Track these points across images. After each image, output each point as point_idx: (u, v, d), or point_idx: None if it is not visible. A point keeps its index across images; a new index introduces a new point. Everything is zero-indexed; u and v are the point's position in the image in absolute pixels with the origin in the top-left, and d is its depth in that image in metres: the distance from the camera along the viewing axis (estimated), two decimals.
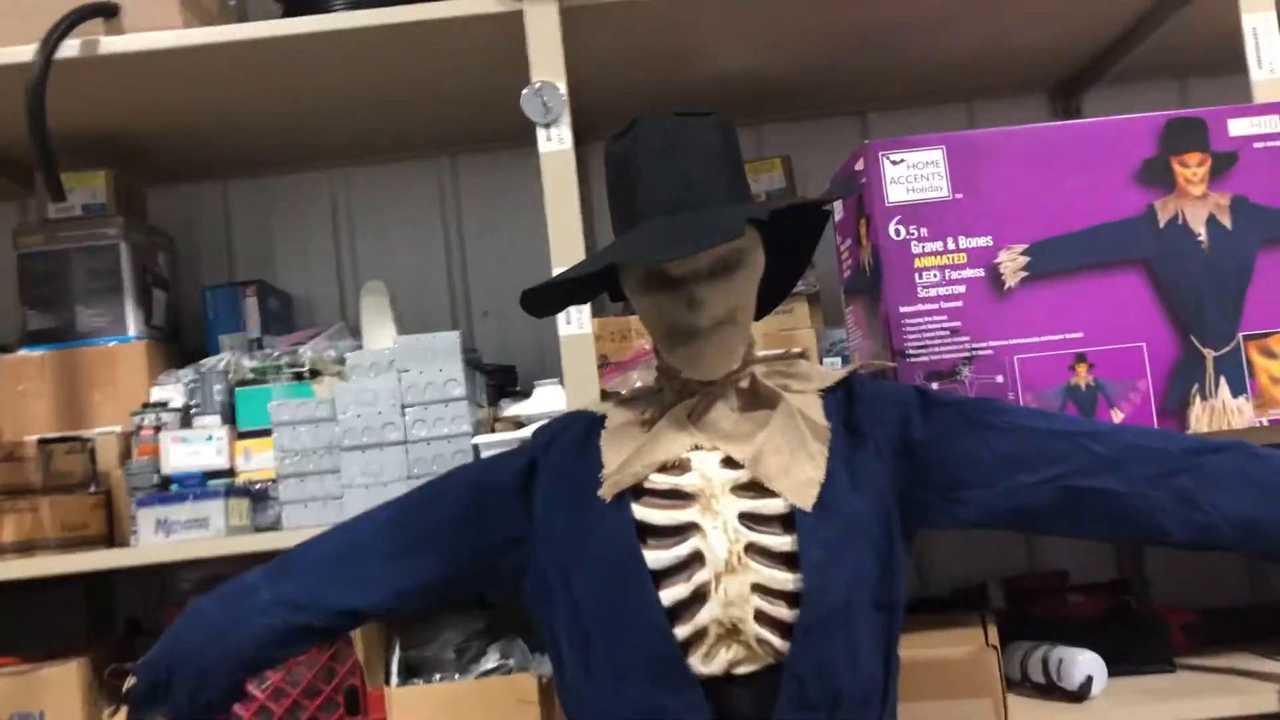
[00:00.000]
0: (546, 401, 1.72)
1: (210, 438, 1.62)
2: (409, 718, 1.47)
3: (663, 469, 1.14)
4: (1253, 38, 1.48)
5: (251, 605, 1.19)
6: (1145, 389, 1.37)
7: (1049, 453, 1.14)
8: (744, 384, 1.19)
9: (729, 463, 1.14)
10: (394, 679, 1.51)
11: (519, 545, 1.21)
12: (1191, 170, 1.39)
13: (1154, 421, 1.36)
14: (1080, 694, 1.47)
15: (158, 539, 1.50)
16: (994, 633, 1.47)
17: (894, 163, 1.37)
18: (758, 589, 1.09)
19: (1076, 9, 1.78)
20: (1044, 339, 1.37)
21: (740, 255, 1.14)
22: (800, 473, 1.12)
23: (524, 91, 1.47)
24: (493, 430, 1.71)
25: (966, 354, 1.36)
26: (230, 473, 1.62)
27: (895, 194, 1.38)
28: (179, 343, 1.96)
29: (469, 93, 1.82)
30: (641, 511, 1.13)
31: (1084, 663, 1.48)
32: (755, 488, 1.12)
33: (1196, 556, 1.88)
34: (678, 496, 1.13)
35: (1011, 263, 1.38)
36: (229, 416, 1.66)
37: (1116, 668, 1.53)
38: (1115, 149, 1.39)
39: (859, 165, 1.41)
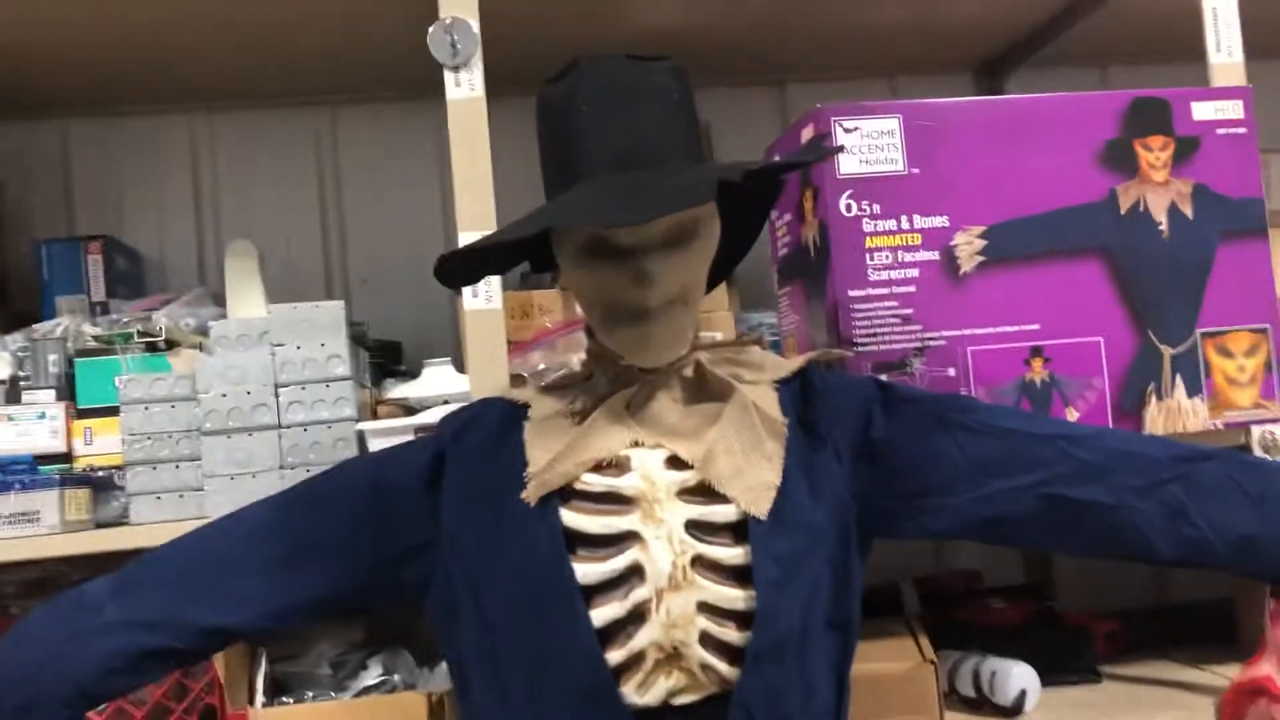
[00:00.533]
0: (437, 383, 1.54)
1: (43, 415, 1.38)
2: None
3: (597, 468, 0.99)
4: (1212, 19, 1.40)
5: (94, 624, 0.99)
6: (1101, 387, 1.28)
7: (1027, 457, 1.03)
8: (689, 372, 1.04)
9: (674, 463, 0.99)
10: (259, 698, 1.32)
11: (423, 553, 1.04)
12: (1154, 154, 1.30)
13: (1109, 421, 1.27)
14: (1014, 709, 1.38)
15: None
16: (928, 646, 1.37)
17: (847, 130, 1.24)
18: (704, 608, 0.95)
19: None
20: (999, 329, 1.26)
21: (698, 225, 0.99)
22: (755, 475, 0.98)
23: (431, 28, 1.29)
24: (374, 414, 1.52)
25: (918, 344, 1.24)
26: (67, 457, 1.39)
27: (848, 165, 1.24)
28: (5, 305, 1.70)
29: (359, 32, 1.61)
30: (571, 517, 0.97)
31: (1018, 676, 1.39)
32: (704, 492, 0.98)
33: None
34: (615, 500, 0.98)
35: (968, 246, 1.26)
36: (66, 392, 1.42)
37: (1044, 679, 1.44)
38: (1078, 127, 1.29)
39: (807, 131, 1.27)
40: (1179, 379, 1.29)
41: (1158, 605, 1.93)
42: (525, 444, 1.01)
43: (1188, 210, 1.30)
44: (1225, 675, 1.46)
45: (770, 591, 0.95)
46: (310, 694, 1.33)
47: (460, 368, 1.60)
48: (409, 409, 1.50)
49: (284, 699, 1.32)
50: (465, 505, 1.03)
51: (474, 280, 1.13)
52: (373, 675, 1.35)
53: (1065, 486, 1.01)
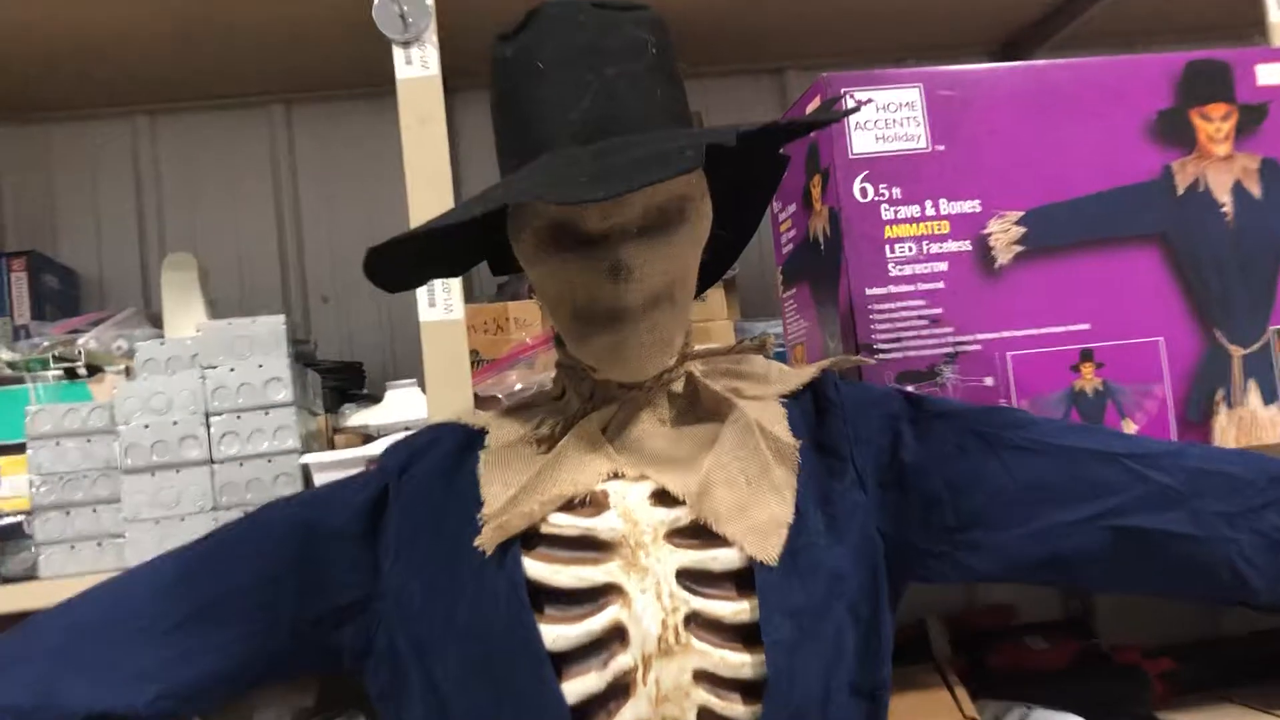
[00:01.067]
0: (402, 408, 1.36)
1: None
2: None
3: (568, 506, 0.81)
4: None
5: None
6: (1163, 395, 1.09)
7: (1092, 482, 0.84)
8: (678, 387, 0.86)
9: (662, 498, 0.81)
10: None
11: (359, 614, 0.86)
12: (1215, 125, 1.12)
13: (1172, 435, 1.09)
14: None
15: None
16: (966, 700, 1.18)
17: (860, 103, 1.06)
18: (702, 678, 0.77)
19: None
20: (1043, 331, 1.08)
21: (684, 207, 0.81)
22: (761, 512, 0.80)
23: (376, 0, 1.12)
24: (331, 445, 1.34)
25: (949, 350, 1.06)
26: None
27: (862, 143, 1.07)
28: None
29: (312, 19, 1.43)
30: (536, 567, 0.79)
31: None
32: (700, 533, 0.80)
33: None
34: (590, 546, 0.80)
35: (1004, 234, 1.08)
36: None
37: None
38: (1125, 96, 1.12)
39: (813, 105, 1.10)
40: (1252, 384, 1.11)
41: (1213, 638, 1.74)
42: (480, 478, 0.83)
43: (1255, 188, 1.13)
44: None
45: (783, 655, 0.76)
46: None
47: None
48: (368, 437, 1.32)
49: None
50: (410, 554, 0.85)
51: (418, 283, 0.95)
52: None
53: (1139, 516, 0.83)
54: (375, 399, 1.49)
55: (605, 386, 0.85)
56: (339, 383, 1.48)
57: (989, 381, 1.07)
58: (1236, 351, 1.11)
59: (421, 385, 1.39)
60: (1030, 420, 0.88)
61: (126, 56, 1.53)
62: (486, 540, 0.79)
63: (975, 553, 0.85)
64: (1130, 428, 1.08)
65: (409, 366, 1.69)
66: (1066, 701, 1.24)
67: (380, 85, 1.67)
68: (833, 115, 0.80)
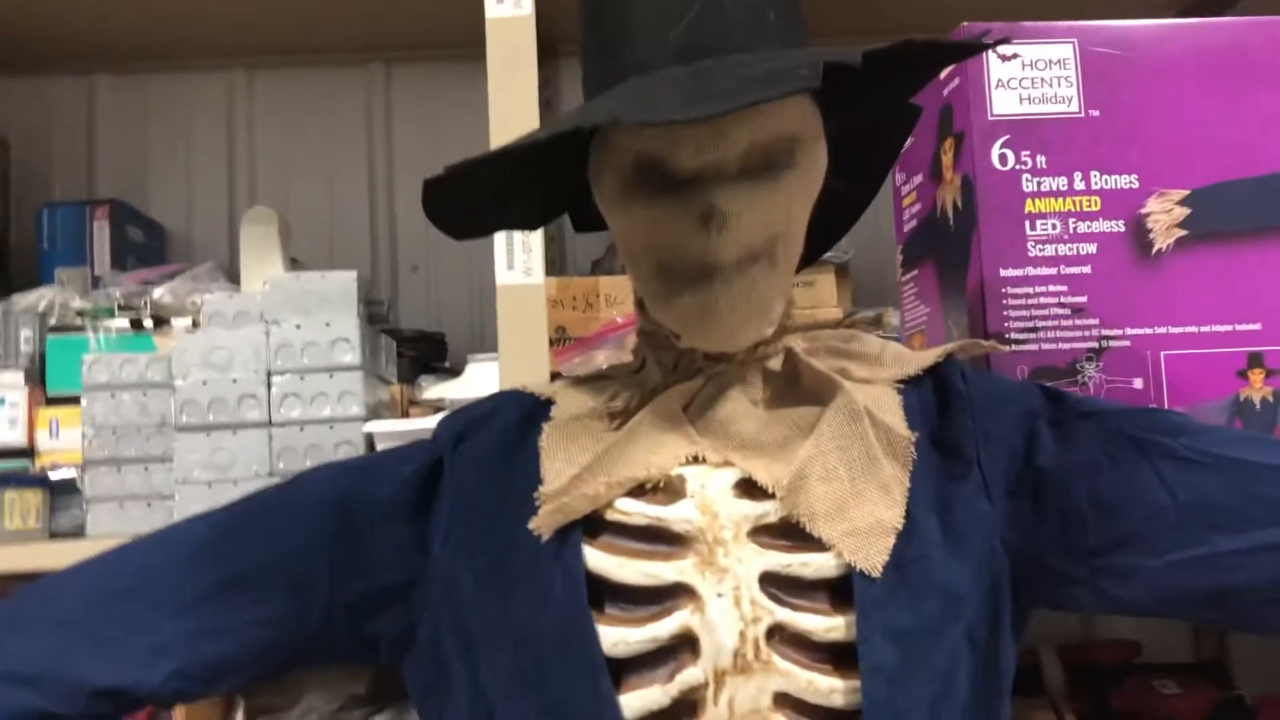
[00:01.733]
0: (482, 382, 1.28)
1: (2, 401, 1.15)
2: None
3: (638, 491, 0.70)
4: None
5: None
6: None
7: (1271, 503, 0.69)
8: (775, 364, 0.75)
9: (749, 489, 0.69)
10: None
11: (403, 600, 0.76)
12: None
13: None
14: None
15: None
16: None
17: (1004, 59, 0.93)
18: (784, 702, 0.65)
19: None
20: (1206, 329, 0.93)
21: (794, 149, 0.69)
22: (865, 513, 0.68)
23: None
24: (405, 416, 1.26)
25: (1095, 344, 0.92)
26: (29, 453, 1.15)
27: (1003, 103, 0.93)
28: (5, 276, 1.49)
29: None
30: (599, 559, 0.68)
31: None
32: (790, 533, 0.68)
33: None
34: (661, 539, 0.68)
35: (1165, 215, 0.94)
36: (37, 376, 1.19)
37: None
38: None
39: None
40: None
41: None
42: (542, 453, 0.73)
43: None
44: None
45: (882, 683, 0.64)
46: None
47: None
48: (443, 410, 1.24)
49: None
50: (462, 536, 0.74)
51: (485, 231, 0.85)
52: None
53: None
54: (457, 372, 1.41)
55: (691, 357, 0.74)
56: (419, 352, 1.40)
57: (1138, 384, 0.92)
58: None
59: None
60: (1197, 427, 0.74)
61: (225, 9, 1.48)
62: (544, 523, 0.69)
63: (1121, 580, 0.72)
64: None
65: (494, 340, 1.60)
66: None
67: (478, 47, 1.61)
68: (978, 43, 0.68)
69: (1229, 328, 0.93)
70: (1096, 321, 0.93)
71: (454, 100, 1.66)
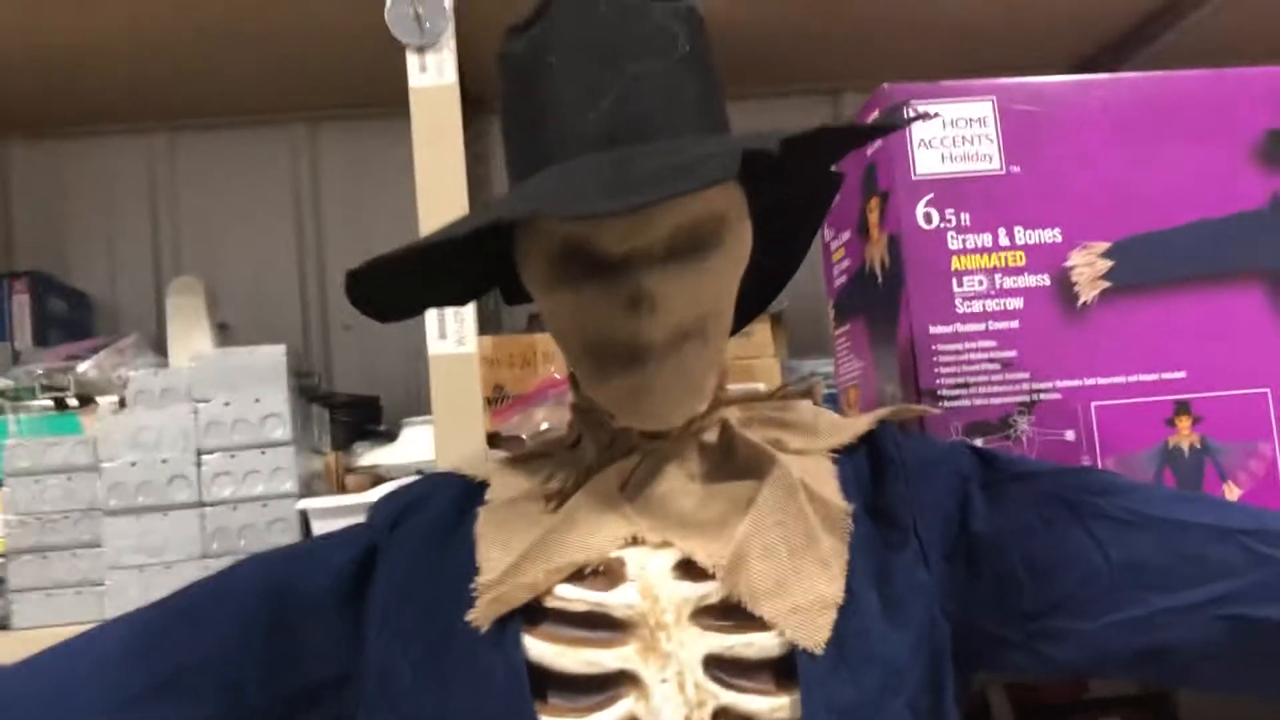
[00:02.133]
0: (418, 447, 1.26)
1: None
2: None
3: (578, 576, 0.69)
4: None
5: None
6: (1271, 455, 0.95)
7: (1203, 562, 0.70)
8: (710, 437, 0.74)
9: (689, 569, 0.69)
10: None
11: (338, 694, 0.74)
12: None
13: None
14: None
15: None
16: None
17: (927, 115, 0.94)
18: None
19: None
20: (1134, 379, 0.95)
21: (719, 228, 0.69)
22: (806, 590, 0.68)
23: (390, 1, 1.02)
24: (341, 485, 1.24)
25: (1026, 398, 0.93)
26: None
27: (926, 163, 0.95)
28: None
29: (337, 32, 1.34)
30: (540, 648, 0.67)
31: None
32: (732, 613, 0.67)
33: None
34: (602, 625, 0.68)
35: (1088, 268, 0.95)
36: None
37: None
38: (1230, 114, 0.98)
39: (871, 118, 0.98)
40: None
41: None
42: (478, 540, 0.72)
43: None
44: None
45: None
46: None
47: None
48: (379, 479, 1.22)
49: None
50: (399, 626, 0.73)
51: (414, 312, 0.84)
52: None
53: (1260, 606, 0.69)
54: (392, 436, 1.39)
55: (626, 435, 0.73)
56: (353, 418, 1.38)
57: (1069, 435, 0.94)
58: None
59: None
60: (1128, 486, 0.75)
61: (143, 72, 1.46)
62: (481, 615, 0.68)
63: (1059, 643, 0.72)
64: (1232, 492, 0.94)
65: (430, 402, 1.59)
66: None
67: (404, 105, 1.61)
68: (893, 122, 0.69)
69: (1155, 376, 0.95)
70: (1027, 375, 0.94)
71: (380, 157, 1.65)
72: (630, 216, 0.64)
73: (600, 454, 0.75)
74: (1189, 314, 0.96)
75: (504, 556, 0.70)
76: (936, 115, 0.94)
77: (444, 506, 0.76)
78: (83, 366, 1.27)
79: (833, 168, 0.79)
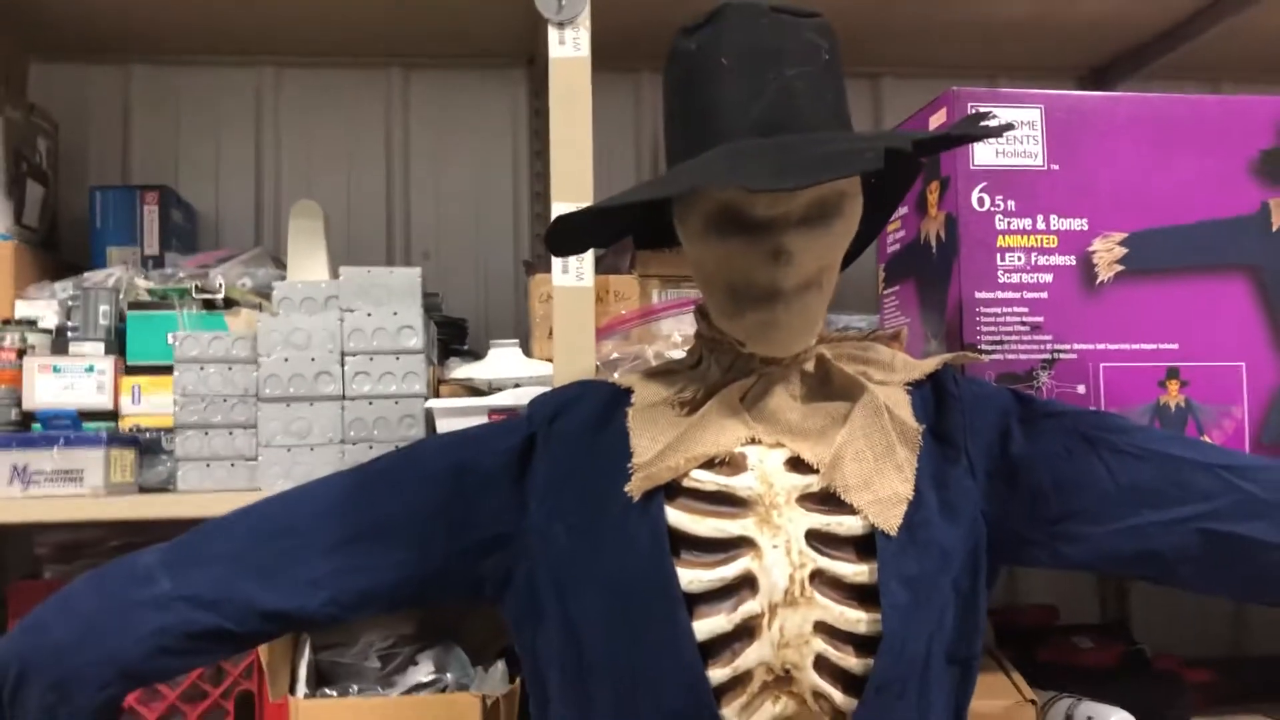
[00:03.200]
0: (504, 365, 1.44)
1: (90, 369, 1.29)
2: None
3: (709, 464, 0.89)
4: None
5: (145, 597, 0.89)
6: (1240, 416, 1.17)
7: (1186, 487, 0.91)
8: (810, 366, 0.94)
9: (796, 465, 0.89)
10: (301, 687, 1.22)
11: (505, 547, 0.94)
12: None
13: (1247, 453, 1.16)
14: None
15: (13, 491, 1.17)
16: (1024, 683, 1.26)
17: (1007, 125, 1.13)
18: (822, 629, 0.84)
19: None
20: (1135, 347, 1.15)
21: (842, 202, 0.88)
22: (885, 486, 0.88)
23: None
24: (436, 393, 1.43)
25: (1048, 356, 1.14)
26: (113, 415, 1.30)
27: (983, 156, 1.14)
28: (55, 250, 1.61)
29: None
30: (678, 516, 0.87)
31: None
32: (827, 500, 0.88)
33: (1182, 599, 1.76)
34: (728, 502, 0.88)
35: (1107, 253, 1.16)
36: (116, 346, 1.33)
37: None
38: (1232, 133, 1.19)
39: (938, 116, 1.17)
40: None
41: (1242, 654, 1.82)
42: (630, 432, 0.91)
43: None
44: None
45: (896, 617, 0.84)
46: (355, 687, 1.24)
47: (527, 351, 1.51)
48: (475, 390, 1.40)
49: (327, 690, 1.23)
50: (556, 497, 0.93)
51: (580, 250, 1.03)
52: (424, 672, 1.25)
53: (1227, 522, 0.90)
54: (475, 354, 1.57)
55: (745, 359, 0.93)
56: (445, 337, 1.56)
57: (1081, 389, 1.14)
58: None
59: (523, 345, 1.48)
60: (1133, 426, 0.96)
61: (258, 10, 1.61)
62: (635, 487, 0.87)
63: (1073, 544, 0.93)
64: None
65: (500, 325, 1.77)
66: (1111, 698, 1.32)
67: (498, 59, 1.78)
68: (993, 130, 0.87)
69: (1154, 346, 1.16)
70: (1050, 337, 1.14)
71: (466, 103, 1.82)
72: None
73: (723, 373, 0.94)
74: (1185, 297, 1.17)
75: (652, 445, 0.89)
76: (1010, 126, 1.13)
77: (596, 405, 0.95)
78: (215, 272, 1.44)
79: (920, 159, 0.98)
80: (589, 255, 1.19)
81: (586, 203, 1.15)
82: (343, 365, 1.25)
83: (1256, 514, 0.90)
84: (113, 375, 1.30)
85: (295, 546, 0.92)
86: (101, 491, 1.18)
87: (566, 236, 0.97)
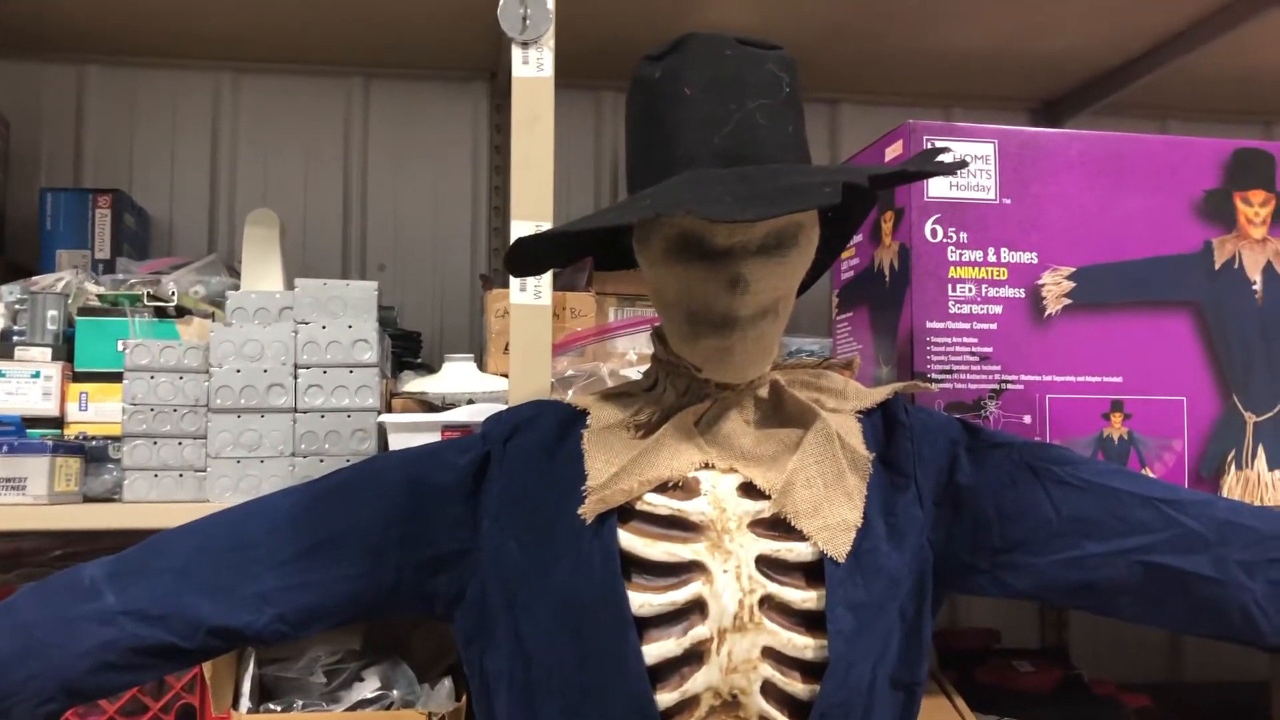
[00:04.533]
0: (458, 380, 1.44)
1: (36, 375, 1.27)
2: None
3: (662, 488, 0.89)
4: None
5: (88, 611, 0.88)
6: (1181, 450, 1.20)
7: (1126, 520, 0.94)
8: (764, 392, 0.95)
9: (748, 490, 0.90)
10: (245, 702, 1.21)
11: (457, 564, 0.94)
12: (1254, 210, 1.23)
13: (1186, 485, 1.19)
14: None
15: None
16: (964, 707, 1.28)
17: (962, 160, 1.15)
18: (769, 654, 0.86)
19: (1086, 26, 1.62)
20: (1081, 379, 1.18)
21: (799, 233, 0.90)
22: (834, 513, 0.89)
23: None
24: (389, 408, 1.42)
25: (996, 386, 1.16)
26: (59, 422, 1.28)
27: (937, 188, 1.16)
28: (3, 252, 1.59)
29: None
30: (630, 540, 0.88)
31: None
32: (778, 525, 0.89)
33: (1121, 626, 1.79)
34: (680, 526, 0.88)
35: (1055, 286, 1.18)
36: (64, 352, 1.31)
37: None
38: (1178, 173, 1.22)
39: (894, 149, 1.19)
40: (1261, 449, 1.22)
41: (1178, 680, 1.86)
42: (585, 454, 0.92)
43: None
44: None
45: (843, 642, 0.85)
46: (300, 703, 1.22)
47: (482, 366, 1.51)
48: (428, 405, 1.40)
49: (271, 706, 1.21)
50: (510, 515, 0.93)
51: (538, 271, 1.03)
52: (369, 688, 1.24)
53: (1166, 555, 0.92)
54: (429, 368, 1.57)
55: (700, 384, 0.94)
56: (398, 350, 1.56)
57: (1027, 420, 1.16)
58: (1250, 418, 1.21)
59: (478, 360, 1.48)
60: (1077, 459, 0.98)
61: (216, 11, 1.60)
62: (589, 510, 0.88)
63: (1015, 572, 0.95)
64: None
65: (456, 339, 1.77)
66: None
67: (461, 73, 1.78)
68: (947, 167, 0.89)
69: (1098, 379, 1.18)
70: (998, 368, 1.16)
71: (426, 115, 1.82)
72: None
73: (678, 397, 0.95)
74: (1130, 331, 1.19)
75: (606, 468, 0.90)
76: (965, 164, 1.15)
77: (552, 425, 0.96)
78: (168, 279, 1.43)
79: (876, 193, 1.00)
80: (547, 274, 1.19)
81: (547, 223, 1.16)
82: (295, 377, 1.24)
83: (1194, 548, 0.93)
84: (59, 381, 1.28)
85: (245, 561, 0.91)
86: (44, 500, 1.16)
87: (525, 258, 0.97)
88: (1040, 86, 1.90)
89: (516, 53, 1.20)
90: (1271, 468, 1.22)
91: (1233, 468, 1.21)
